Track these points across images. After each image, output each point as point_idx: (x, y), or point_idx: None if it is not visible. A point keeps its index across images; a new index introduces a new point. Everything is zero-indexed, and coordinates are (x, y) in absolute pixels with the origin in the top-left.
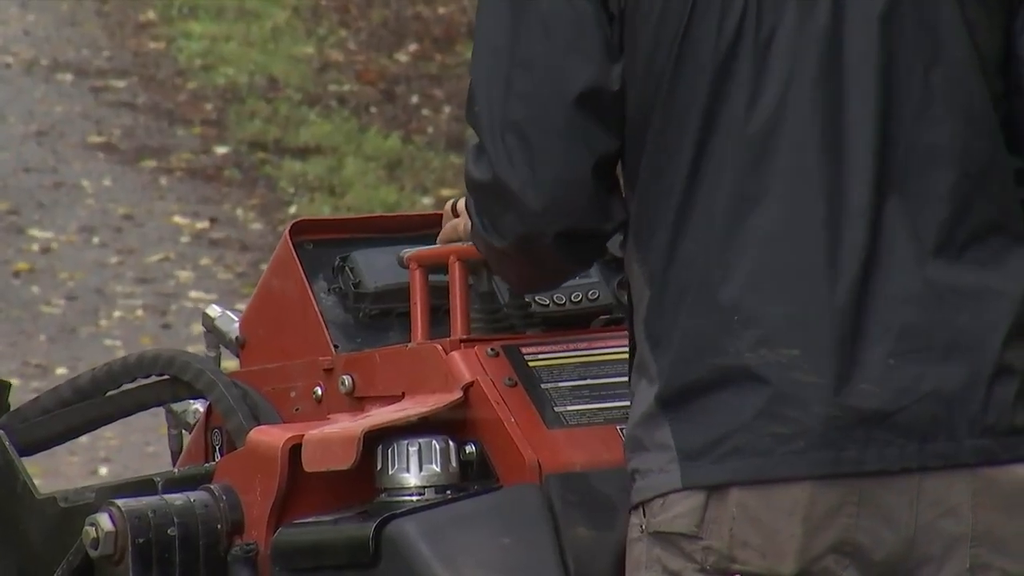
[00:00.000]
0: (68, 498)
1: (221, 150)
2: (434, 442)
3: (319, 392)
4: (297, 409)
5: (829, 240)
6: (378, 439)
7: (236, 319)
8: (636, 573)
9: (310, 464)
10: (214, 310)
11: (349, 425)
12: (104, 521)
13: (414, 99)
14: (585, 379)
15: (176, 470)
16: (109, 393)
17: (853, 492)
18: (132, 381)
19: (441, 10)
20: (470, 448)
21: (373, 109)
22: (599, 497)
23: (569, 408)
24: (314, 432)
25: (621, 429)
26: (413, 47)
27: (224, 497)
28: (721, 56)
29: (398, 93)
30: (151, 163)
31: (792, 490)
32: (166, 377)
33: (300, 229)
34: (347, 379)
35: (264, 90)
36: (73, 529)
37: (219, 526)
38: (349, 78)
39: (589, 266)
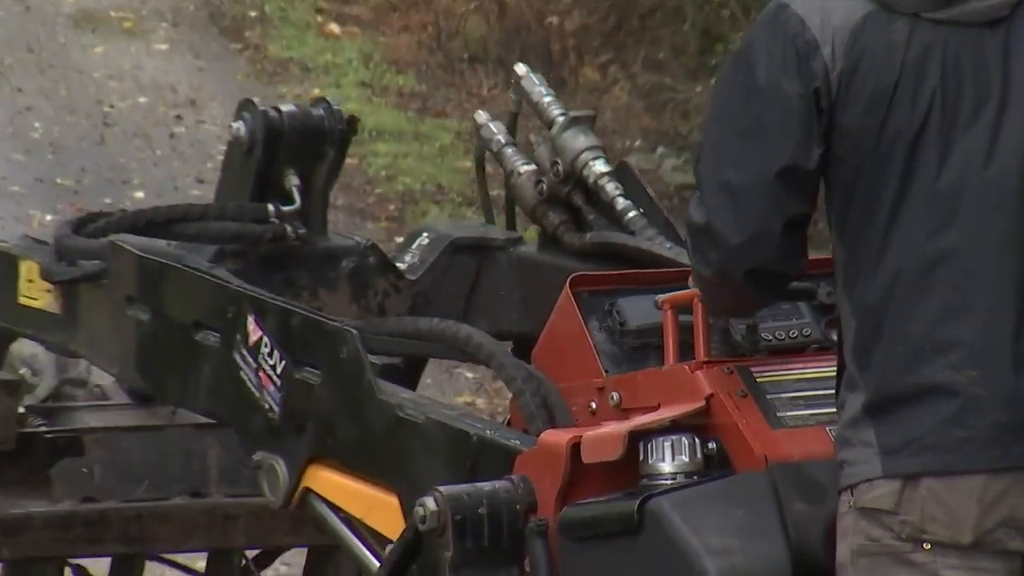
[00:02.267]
0: (403, 409)
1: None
2: (683, 439)
3: (593, 406)
4: (576, 420)
5: (1003, 288)
6: (641, 437)
7: (543, 86)
8: (844, 539)
9: (588, 457)
10: (481, 115)
11: (618, 426)
12: (430, 503)
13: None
14: (801, 392)
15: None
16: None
17: (1018, 481)
18: (456, 350)
19: None
20: (711, 444)
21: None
22: (812, 481)
23: (789, 414)
24: (590, 433)
25: (830, 430)
26: None
27: (521, 485)
28: (912, 138)
29: None
30: None
31: (970, 479)
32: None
33: (578, 282)
34: (615, 395)
35: (433, 194)
36: (398, 437)
37: (517, 507)
38: (497, 186)
39: (774, 300)
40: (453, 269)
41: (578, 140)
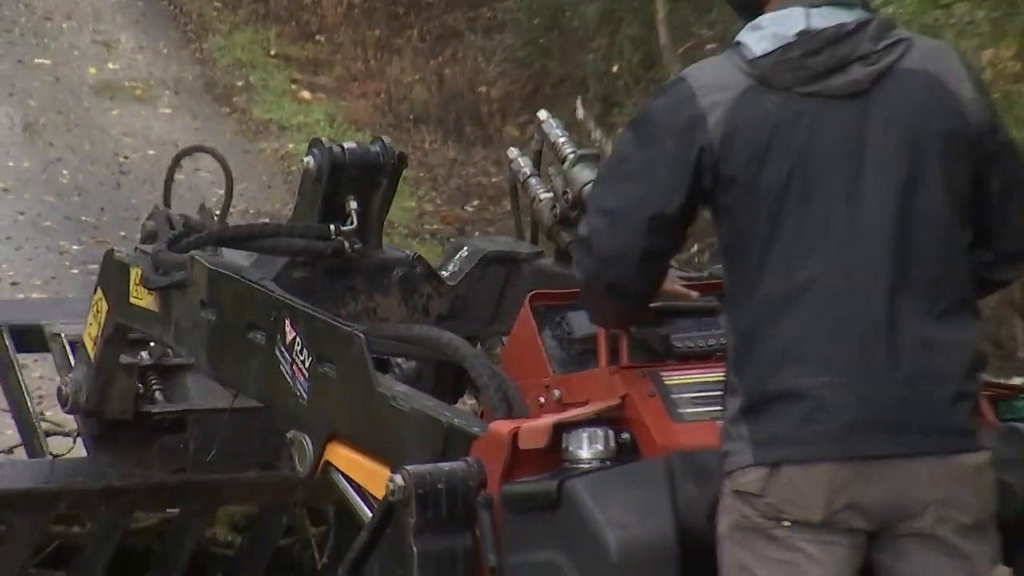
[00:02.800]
0: (395, 400)
1: None
2: (599, 430)
3: (542, 400)
4: (530, 412)
5: (855, 311)
6: (564, 429)
7: (559, 129)
8: (723, 516)
9: (523, 444)
10: (512, 152)
11: (547, 419)
12: (398, 479)
13: (477, 234)
14: (701, 393)
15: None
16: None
17: (861, 470)
18: (438, 352)
19: (494, 179)
20: (625, 435)
21: (452, 239)
22: (702, 467)
23: (688, 411)
24: (527, 424)
25: (720, 424)
26: (476, 202)
27: (475, 465)
28: (780, 190)
29: (467, 231)
30: None
31: (820, 468)
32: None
33: (536, 298)
34: (557, 392)
35: (384, 227)
36: (390, 422)
37: (471, 483)
38: (436, 221)
39: (639, 319)
40: (485, 278)
41: (583, 174)
